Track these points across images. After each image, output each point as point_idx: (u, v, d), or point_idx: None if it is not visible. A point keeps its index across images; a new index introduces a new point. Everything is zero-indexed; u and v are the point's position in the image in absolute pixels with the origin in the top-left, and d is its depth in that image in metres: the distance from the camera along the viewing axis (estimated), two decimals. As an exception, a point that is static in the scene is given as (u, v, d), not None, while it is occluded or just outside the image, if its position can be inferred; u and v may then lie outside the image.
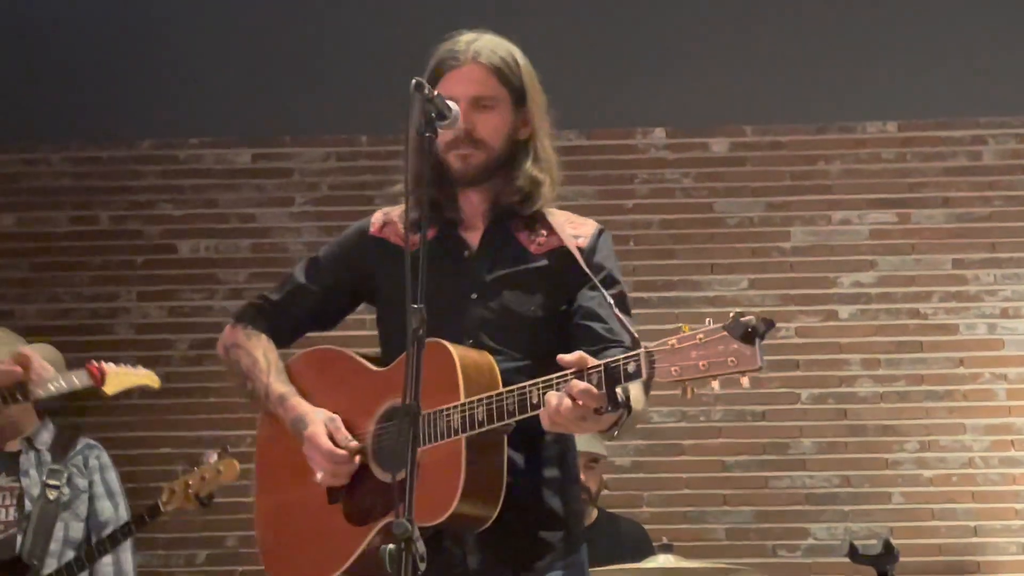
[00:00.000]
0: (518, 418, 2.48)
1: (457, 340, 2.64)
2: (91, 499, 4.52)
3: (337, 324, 2.97)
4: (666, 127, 6.26)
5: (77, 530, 4.46)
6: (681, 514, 5.89)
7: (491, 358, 2.63)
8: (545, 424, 2.42)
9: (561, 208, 2.85)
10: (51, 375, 3.99)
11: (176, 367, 5.99)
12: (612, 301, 2.60)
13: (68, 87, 5.80)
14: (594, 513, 4.87)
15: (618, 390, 2.37)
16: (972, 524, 5.85)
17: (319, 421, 2.72)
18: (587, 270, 2.70)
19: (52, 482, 4.43)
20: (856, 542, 4.88)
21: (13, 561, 4.33)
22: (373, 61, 5.47)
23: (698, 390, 2.29)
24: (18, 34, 5.46)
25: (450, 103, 2.58)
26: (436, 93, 2.56)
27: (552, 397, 2.40)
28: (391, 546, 2.22)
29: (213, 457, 4.27)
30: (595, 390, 2.35)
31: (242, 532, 5.82)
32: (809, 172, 6.22)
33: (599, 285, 2.67)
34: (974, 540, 5.81)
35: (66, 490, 4.45)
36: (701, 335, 2.24)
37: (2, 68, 5.63)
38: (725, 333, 2.21)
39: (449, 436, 2.52)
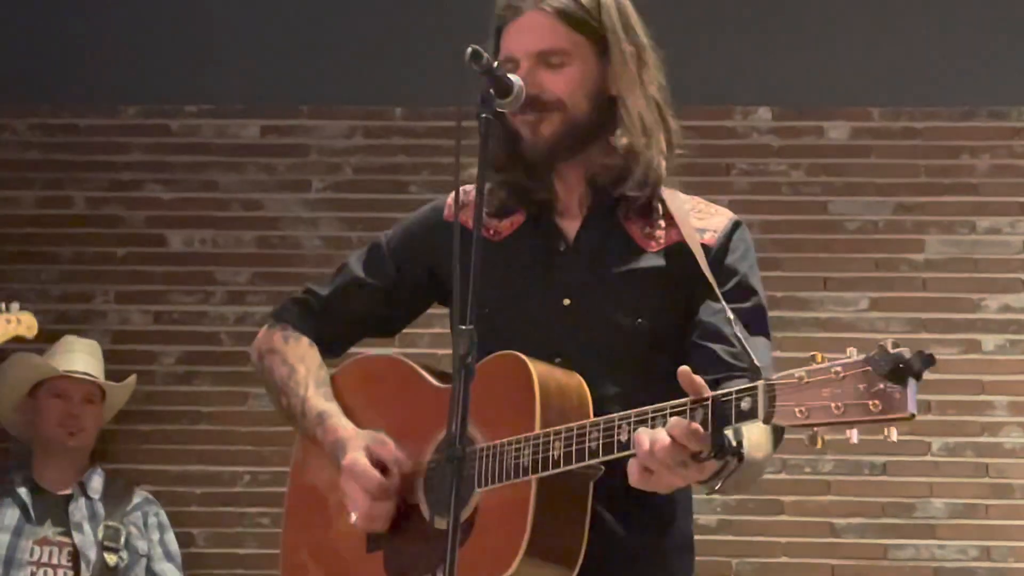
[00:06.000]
0: (602, 459, 2.27)
1: (544, 357, 2.44)
2: (148, 560, 4.58)
3: (401, 329, 2.81)
4: (772, 106, 5.82)
5: None
6: (778, 588, 5.57)
7: (582, 381, 2.43)
8: (633, 477, 2.18)
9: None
10: None
11: (160, 385, 5.64)
12: (743, 316, 2.40)
13: (40, 43, 5.69)
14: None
15: (728, 432, 2.13)
16: None
17: (359, 447, 2.51)
18: (711, 277, 2.45)
19: (110, 544, 4.45)
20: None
21: None
22: (410, 18, 5.47)
23: (829, 438, 2.04)
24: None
25: (512, 76, 2.41)
26: (496, 64, 2.39)
27: (644, 436, 2.16)
28: None
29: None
30: (701, 430, 2.12)
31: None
32: (950, 168, 5.74)
33: (722, 297, 2.43)
34: None
35: (124, 554, 4.48)
36: (839, 368, 2.01)
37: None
38: (868, 368, 1.98)
39: (517, 476, 2.34)
